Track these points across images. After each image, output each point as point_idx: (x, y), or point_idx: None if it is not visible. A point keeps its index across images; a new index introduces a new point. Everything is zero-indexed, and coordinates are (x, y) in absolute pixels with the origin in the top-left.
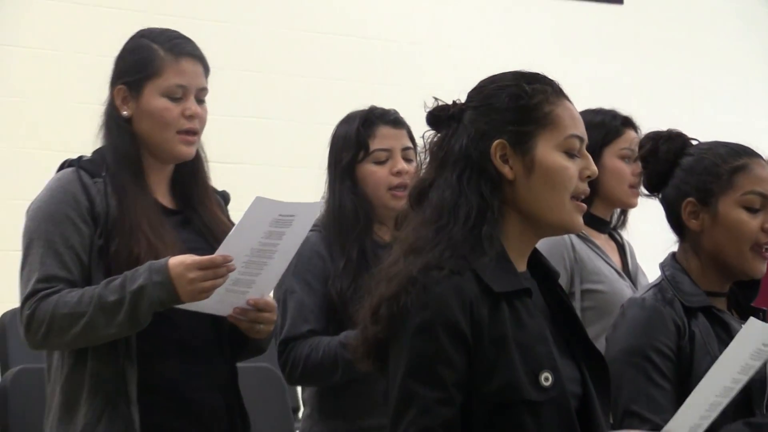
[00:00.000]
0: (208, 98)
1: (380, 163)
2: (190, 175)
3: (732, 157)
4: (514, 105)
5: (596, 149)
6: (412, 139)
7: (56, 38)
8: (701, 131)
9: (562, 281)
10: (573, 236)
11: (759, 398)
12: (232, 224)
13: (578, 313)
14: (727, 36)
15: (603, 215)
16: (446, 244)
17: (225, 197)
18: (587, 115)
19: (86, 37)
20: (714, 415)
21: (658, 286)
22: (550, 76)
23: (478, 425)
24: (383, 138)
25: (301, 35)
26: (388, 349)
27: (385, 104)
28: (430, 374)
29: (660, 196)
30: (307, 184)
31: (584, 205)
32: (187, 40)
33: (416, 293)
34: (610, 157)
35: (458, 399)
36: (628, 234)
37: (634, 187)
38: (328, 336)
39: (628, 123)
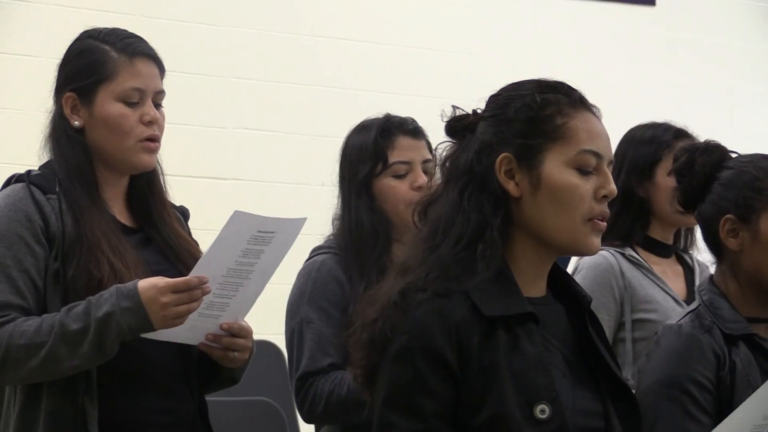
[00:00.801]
0: (200, 108)
1: (399, 176)
2: (147, 188)
3: None
4: (524, 116)
5: (647, 167)
6: (430, 150)
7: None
8: (740, 143)
9: (611, 311)
10: (623, 262)
11: None
12: (195, 242)
13: (629, 343)
14: (765, 40)
15: (663, 238)
16: (433, 264)
17: (184, 213)
18: (638, 130)
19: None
20: None
21: (695, 311)
22: (574, 85)
23: None
24: (403, 149)
25: (301, 39)
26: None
27: (399, 113)
28: (408, 404)
29: (696, 213)
30: (306, 201)
31: (603, 224)
32: (140, 39)
33: (395, 317)
34: (663, 175)
35: (440, 430)
36: (700, 254)
37: None
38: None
39: (681, 135)
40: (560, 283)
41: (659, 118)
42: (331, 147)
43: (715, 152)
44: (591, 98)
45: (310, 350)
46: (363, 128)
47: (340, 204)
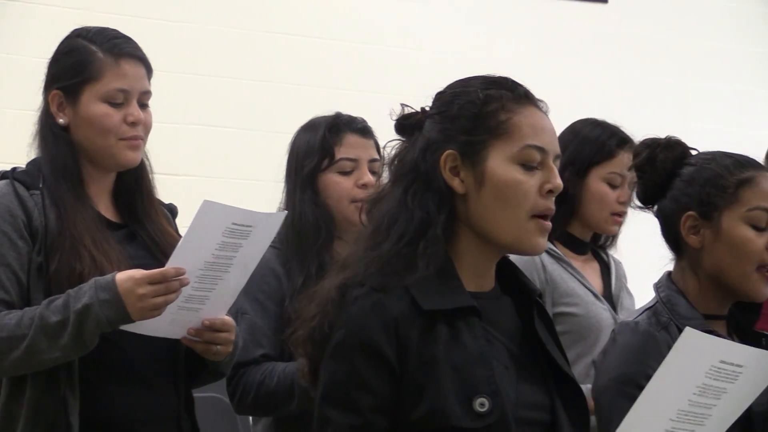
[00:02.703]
0: (155, 104)
1: (345, 173)
2: (134, 185)
3: (738, 169)
4: (467, 113)
5: (583, 167)
6: (378, 151)
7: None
8: (691, 139)
9: None
10: (544, 255)
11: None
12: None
13: None
14: (720, 38)
15: (581, 236)
16: (372, 259)
17: (172, 210)
18: (586, 126)
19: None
20: None
21: (652, 308)
22: (521, 80)
23: None
24: (350, 147)
25: (258, 36)
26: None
27: (350, 112)
28: (345, 399)
29: (655, 209)
30: (264, 198)
31: (548, 224)
32: (127, 40)
33: (333, 312)
34: (596, 179)
35: (378, 425)
36: (618, 252)
37: (616, 214)
38: (283, 362)
39: (624, 144)
40: (509, 276)
41: (611, 116)
42: (282, 142)
43: (676, 148)
44: (545, 95)
45: (243, 341)
46: (312, 125)
47: (285, 198)
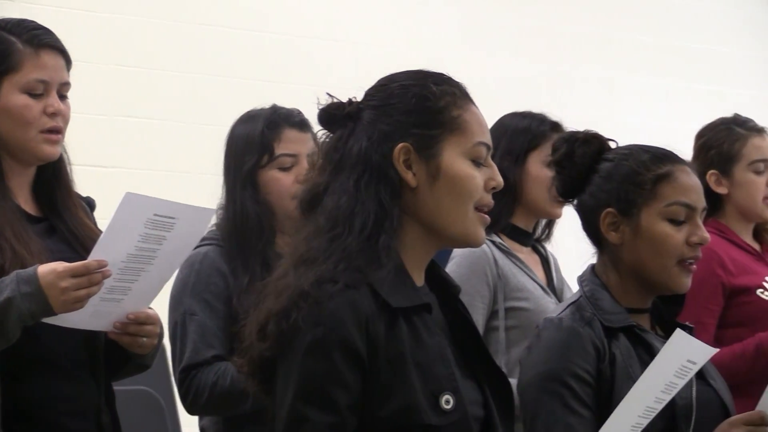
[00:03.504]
0: (82, 96)
1: (285, 169)
2: (53, 178)
3: (655, 164)
4: (421, 107)
5: (521, 155)
6: (316, 143)
7: None
8: (620, 132)
9: (485, 298)
10: (496, 251)
11: (684, 425)
12: (101, 232)
13: (502, 332)
14: (647, 32)
15: (525, 226)
16: (340, 255)
17: (90, 203)
18: (513, 118)
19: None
20: None
21: (576, 303)
22: (456, 77)
23: None
24: (289, 142)
25: (188, 28)
26: (275, 368)
27: (282, 104)
28: (323, 396)
29: (576, 204)
30: (194, 190)
31: (488, 218)
32: (47, 31)
33: (308, 309)
34: (535, 163)
35: (352, 422)
36: (552, 246)
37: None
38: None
39: (556, 128)
40: (430, 272)
41: (536, 109)
42: (213, 135)
43: (593, 143)
44: (472, 87)
45: (194, 342)
46: (249, 119)
47: (224, 195)
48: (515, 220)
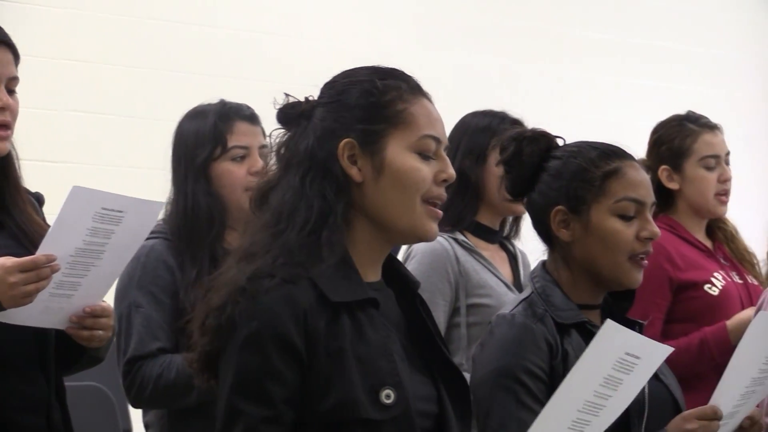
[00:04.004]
0: (30, 91)
1: (237, 161)
2: (1, 174)
3: (603, 161)
4: (365, 102)
5: (481, 153)
6: (265, 137)
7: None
8: (572, 128)
9: (447, 295)
10: (457, 248)
11: (637, 420)
12: (50, 227)
13: (464, 328)
14: (599, 29)
15: (491, 224)
16: (280, 250)
17: (39, 199)
18: (474, 117)
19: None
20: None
21: (527, 300)
22: (409, 71)
23: None
24: (241, 134)
25: (138, 22)
26: (218, 362)
27: (232, 98)
28: (258, 390)
29: (526, 202)
30: (143, 185)
31: (439, 212)
32: None
33: (244, 303)
34: (495, 161)
35: (288, 417)
36: (522, 243)
37: None
38: (179, 354)
39: (516, 124)
40: (389, 268)
41: (493, 106)
42: (163, 130)
43: (541, 141)
44: (427, 84)
45: (139, 334)
46: (198, 113)
47: (173, 188)
48: (480, 218)
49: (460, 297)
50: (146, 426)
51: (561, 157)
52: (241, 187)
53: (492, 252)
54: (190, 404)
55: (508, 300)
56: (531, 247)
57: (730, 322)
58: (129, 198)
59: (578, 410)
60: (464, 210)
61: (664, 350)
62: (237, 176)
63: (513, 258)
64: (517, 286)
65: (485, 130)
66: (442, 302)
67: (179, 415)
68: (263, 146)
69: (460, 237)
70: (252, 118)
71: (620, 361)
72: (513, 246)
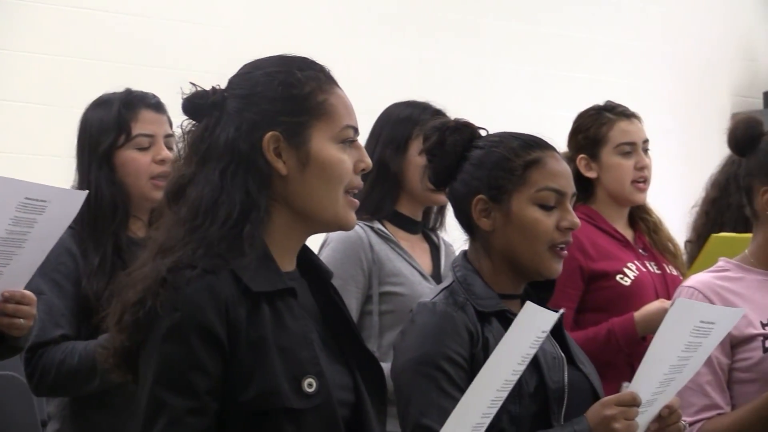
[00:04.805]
0: None
1: (142, 149)
2: None
3: (524, 151)
4: (287, 94)
5: (402, 143)
6: (171, 126)
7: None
8: (492, 120)
9: (360, 283)
10: (373, 235)
11: (557, 408)
12: None
13: (376, 317)
14: (521, 20)
15: (411, 214)
16: (200, 242)
17: None
18: (397, 108)
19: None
20: (494, 411)
21: (449, 288)
22: (320, 61)
23: None
24: (146, 123)
25: (50, 9)
26: (138, 357)
27: (139, 87)
28: (181, 382)
29: (447, 191)
30: (54, 173)
31: (356, 202)
32: None
33: (165, 294)
34: (416, 152)
35: (212, 407)
36: (448, 234)
37: None
38: (82, 341)
39: (438, 114)
40: (302, 258)
41: (411, 96)
42: (76, 118)
43: (464, 131)
44: (344, 74)
45: (41, 321)
46: (104, 102)
47: (77, 176)
48: (400, 208)
49: (373, 285)
50: (48, 417)
51: (483, 147)
52: (146, 176)
53: (412, 242)
54: (95, 390)
55: (422, 289)
56: (456, 236)
57: (638, 314)
58: (53, 188)
59: (497, 389)
60: (383, 199)
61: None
62: (141, 164)
63: (435, 249)
64: (437, 276)
65: (407, 121)
66: (354, 289)
67: (80, 406)
68: (169, 135)
69: (377, 225)
70: (157, 106)
71: (536, 339)
72: (437, 237)
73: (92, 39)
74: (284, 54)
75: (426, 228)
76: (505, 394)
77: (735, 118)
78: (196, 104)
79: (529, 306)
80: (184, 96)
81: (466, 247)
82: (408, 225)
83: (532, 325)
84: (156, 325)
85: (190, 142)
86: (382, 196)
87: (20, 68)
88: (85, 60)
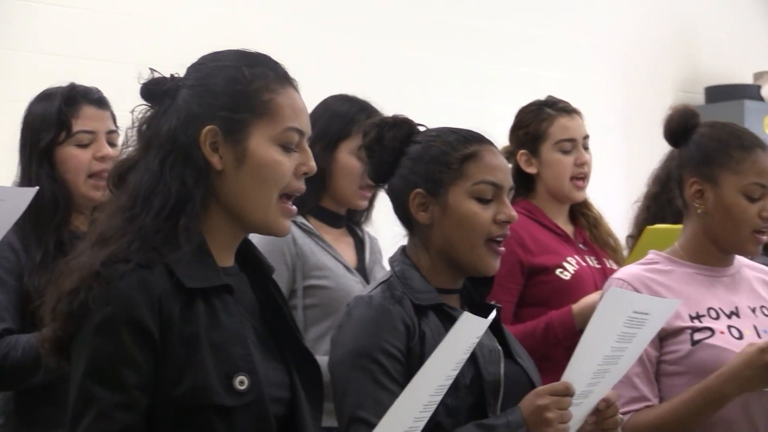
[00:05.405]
0: None
1: (83, 146)
2: None
3: (462, 145)
4: (231, 89)
5: (333, 141)
6: (115, 122)
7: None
8: (433, 115)
9: (284, 278)
10: (295, 229)
11: (492, 400)
12: None
13: (300, 311)
14: (462, 13)
15: (335, 209)
16: (136, 234)
17: None
18: (336, 101)
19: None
20: (428, 415)
21: (386, 282)
22: (274, 56)
23: (165, 431)
24: (87, 119)
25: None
26: (70, 348)
27: (89, 82)
28: (111, 376)
29: (386, 186)
30: None
31: (293, 209)
32: None
33: (98, 288)
34: (345, 152)
35: (142, 403)
36: (373, 228)
37: (364, 189)
38: (26, 334)
39: (374, 116)
40: (244, 252)
41: (361, 91)
42: (17, 111)
43: (403, 126)
44: (295, 69)
45: None
46: (46, 96)
47: (19, 172)
48: (325, 203)
49: (297, 279)
50: None
51: (421, 141)
52: (86, 173)
53: (335, 236)
54: (37, 383)
55: (347, 282)
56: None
57: (576, 306)
58: (2, 187)
59: (430, 394)
60: (307, 195)
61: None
62: (81, 161)
63: (360, 242)
64: (362, 269)
65: (342, 118)
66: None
67: (25, 400)
68: (111, 131)
69: (300, 220)
70: (100, 102)
71: (471, 345)
72: (361, 230)
73: (39, 33)
74: (244, 49)
75: (350, 222)
76: (438, 399)
77: (672, 108)
78: (151, 90)
79: (466, 316)
80: (142, 81)
81: (393, 240)
82: (331, 219)
83: (468, 333)
84: (88, 319)
85: (138, 127)
86: (306, 191)
87: None
88: (28, 53)
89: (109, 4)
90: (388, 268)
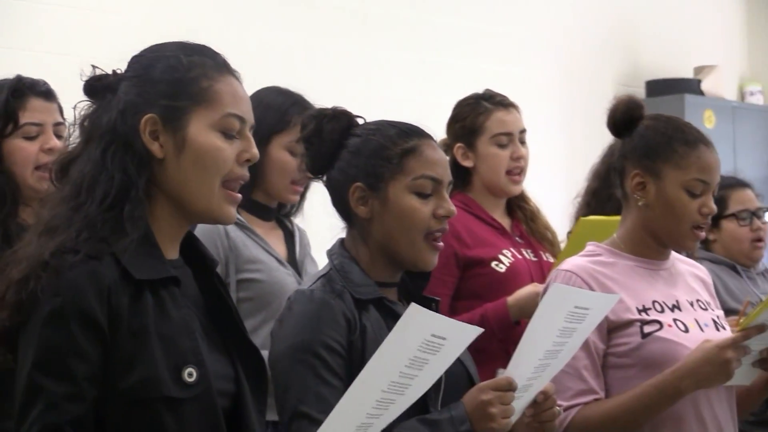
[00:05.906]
0: None
1: (30, 138)
2: None
3: (402, 139)
4: (169, 78)
5: (265, 135)
6: (62, 114)
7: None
8: (372, 108)
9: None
10: None
11: (434, 395)
12: None
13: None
14: (403, 6)
15: (266, 202)
16: (83, 224)
17: None
18: (270, 94)
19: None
20: (390, 413)
21: (326, 276)
22: (218, 48)
23: (114, 422)
24: (34, 111)
25: None
26: (17, 338)
27: (32, 74)
28: (60, 367)
29: (325, 179)
30: None
31: (238, 195)
32: None
33: (47, 278)
34: (278, 147)
35: (91, 394)
36: (304, 220)
37: (296, 183)
38: None
39: (306, 110)
40: (187, 245)
41: (297, 84)
42: None
43: (342, 119)
44: (233, 60)
45: None
46: None
47: None
48: (255, 196)
49: (230, 273)
50: None
51: (361, 135)
52: (33, 165)
53: (266, 229)
54: None
55: (280, 275)
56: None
57: (511, 298)
58: None
59: (383, 390)
60: (240, 188)
61: (472, 331)
62: (28, 153)
63: (290, 235)
64: (293, 262)
65: (276, 111)
66: None
67: None
68: (59, 123)
69: None
70: (47, 94)
71: (426, 342)
72: (291, 223)
73: None
74: (183, 40)
75: (279, 214)
76: (397, 397)
77: (616, 98)
78: (93, 86)
79: (413, 307)
80: (84, 78)
81: (326, 233)
82: (262, 212)
83: (418, 326)
84: (37, 309)
85: (79, 121)
86: None
87: None
88: None
89: None
90: (318, 260)
